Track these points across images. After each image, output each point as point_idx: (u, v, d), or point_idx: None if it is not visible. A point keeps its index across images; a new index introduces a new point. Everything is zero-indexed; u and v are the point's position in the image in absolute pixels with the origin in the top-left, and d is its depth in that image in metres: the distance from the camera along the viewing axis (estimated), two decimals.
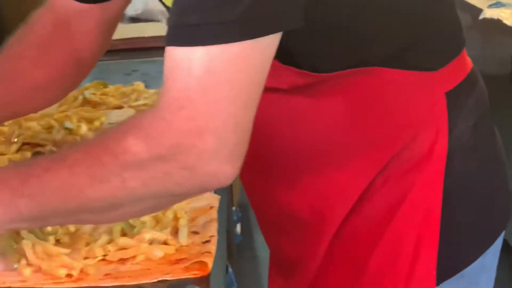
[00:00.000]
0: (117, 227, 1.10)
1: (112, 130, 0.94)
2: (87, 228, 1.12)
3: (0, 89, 1.23)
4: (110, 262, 1.06)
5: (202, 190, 0.95)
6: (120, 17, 1.34)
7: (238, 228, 3.14)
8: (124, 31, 2.36)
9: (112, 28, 1.33)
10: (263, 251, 3.18)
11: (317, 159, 1.10)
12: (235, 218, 3.03)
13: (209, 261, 1.05)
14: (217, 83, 0.88)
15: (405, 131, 1.07)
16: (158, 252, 1.06)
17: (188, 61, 0.88)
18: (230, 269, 2.52)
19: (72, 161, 0.94)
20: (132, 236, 1.09)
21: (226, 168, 0.90)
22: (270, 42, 0.90)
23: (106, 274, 1.04)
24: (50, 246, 1.06)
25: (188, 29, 0.88)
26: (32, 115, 1.61)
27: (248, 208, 3.38)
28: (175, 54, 0.89)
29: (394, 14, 1.05)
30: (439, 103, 1.07)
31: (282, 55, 0.95)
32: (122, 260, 1.06)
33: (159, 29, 2.40)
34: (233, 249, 2.77)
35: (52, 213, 0.95)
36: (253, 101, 0.91)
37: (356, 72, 1.04)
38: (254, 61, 0.89)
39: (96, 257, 1.06)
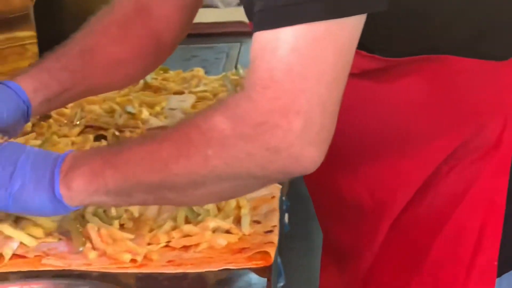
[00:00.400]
0: (182, 214, 1.10)
1: (204, 109, 0.95)
2: (151, 213, 1.12)
3: (79, 62, 1.23)
4: (173, 248, 1.06)
5: (284, 175, 0.93)
6: (200, 2, 1.34)
7: (286, 218, 3.13)
8: (207, 15, 2.37)
9: (192, 12, 1.33)
10: (310, 241, 3.17)
11: (382, 146, 1.09)
12: (284, 207, 3.02)
13: (272, 252, 1.04)
14: (302, 62, 0.87)
15: (473, 120, 1.06)
16: (222, 240, 1.06)
17: (274, 42, 0.87)
18: (279, 259, 2.52)
19: (163, 136, 0.95)
20: (195, 224, 1.08)
21: (311, 151, 0.88)
22: (355, 23, 0.89)
23: (169, 261, 1.03)
24: (115, 230, 1.06)
25: (276, 10, 0.87)
26: (94, 98, 1.62)
27: (296, 198, 3.38)
28: (263, 38, 0.88)
29: (468, 2, 1.04)
30: (508, 92, 1.06)
31: None
32: (185, 247, 1.06)
33: (218, 15, 2.40)
34: (282, 239, 2.76)
35: (136, 187, 0.96)
36: (339, 82, 0.89)
37: (427, 59, 1.03)
38: (340, 41, 0.88)
39: (160, 243, 1.06)
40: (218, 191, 0.95)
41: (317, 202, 1.24)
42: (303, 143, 0.88)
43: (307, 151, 0.88)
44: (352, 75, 1.03)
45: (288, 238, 3.32)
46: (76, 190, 0.97)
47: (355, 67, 1.02)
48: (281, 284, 1.87)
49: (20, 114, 1.17)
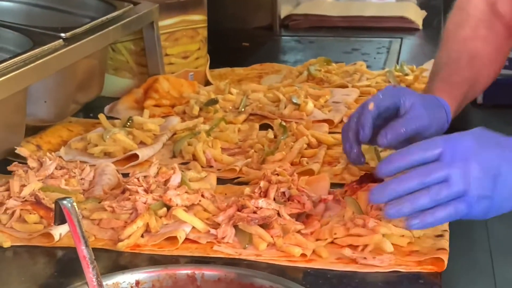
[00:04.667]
0: (348, 212, 1.07)
1: None
2: (319, 209, 1.11)
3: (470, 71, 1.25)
4: (340, 246, 1.04)
5: None
6: None
7: None
8: (367, 9, 2.35)
9: None
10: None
11: None
12: None
13: (445, 258, 1.00)
14: None
15: None
16: (389, 247, 1.02)
17: None
18: None
19: None
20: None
21: None
22: None
23: (338, 258, 1.02)
24: (289, 220, 1.05)
25: None
26: (258, 86, 1.61)
27: None
28: None
29: None
30: None
31: None
32: (353, 246, 1.03)
33: (378, 9, 2.37)
34: None
35: None
36: None
37: None
38: None
39: (326, 239, 1.04)
40: None
41: None
42: None
43: None
44: None
45: None
46: None
47: None
48: None
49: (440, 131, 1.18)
